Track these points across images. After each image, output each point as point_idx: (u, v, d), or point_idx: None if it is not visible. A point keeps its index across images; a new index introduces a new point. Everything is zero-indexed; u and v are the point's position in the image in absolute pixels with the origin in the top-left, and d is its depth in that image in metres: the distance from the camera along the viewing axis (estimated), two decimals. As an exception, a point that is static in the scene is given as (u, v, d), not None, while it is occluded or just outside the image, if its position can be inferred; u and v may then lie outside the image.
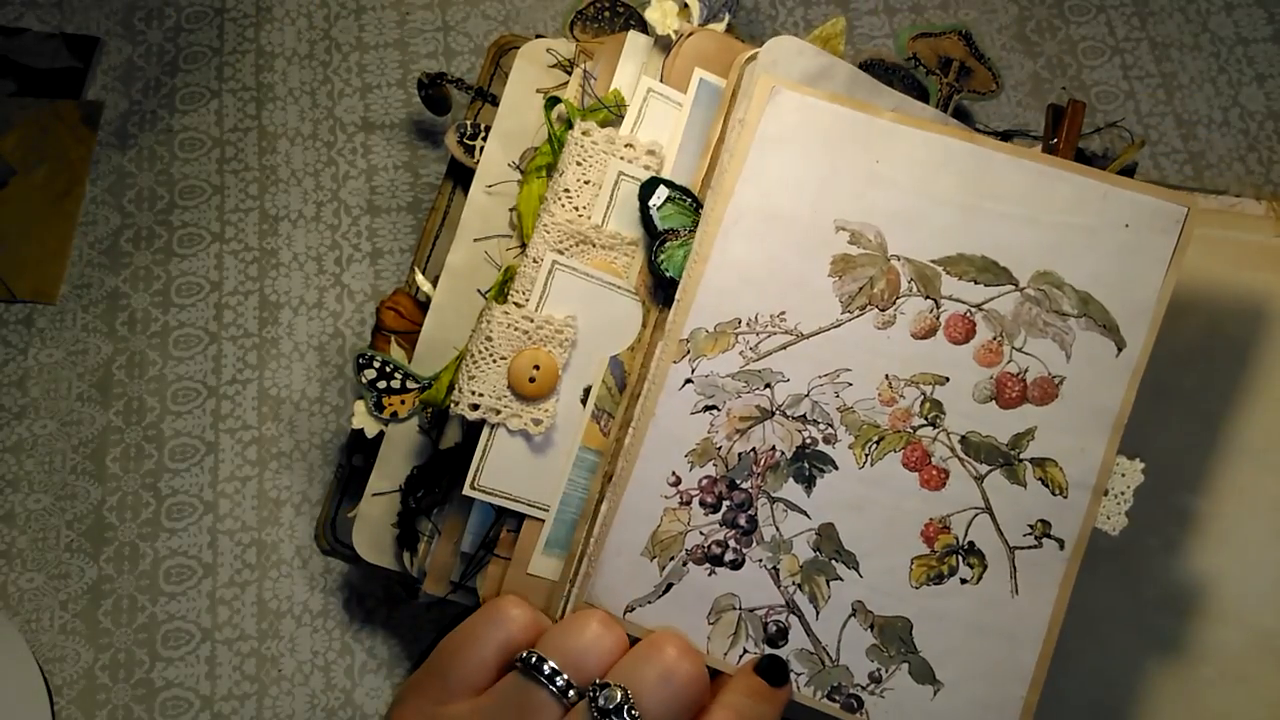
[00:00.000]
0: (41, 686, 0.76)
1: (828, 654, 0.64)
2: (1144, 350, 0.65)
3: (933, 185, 0.66)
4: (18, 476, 0.83)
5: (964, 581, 0.64)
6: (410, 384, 0.73)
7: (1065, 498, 0.65)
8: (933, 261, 0.65)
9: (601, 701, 0.56)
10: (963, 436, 0.65)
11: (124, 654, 0.79)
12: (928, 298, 0.65)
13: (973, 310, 0.65)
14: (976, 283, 0.65)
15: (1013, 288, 0.65)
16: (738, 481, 0.65)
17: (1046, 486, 0.65)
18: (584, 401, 0.67)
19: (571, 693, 0.57)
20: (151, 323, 0.87)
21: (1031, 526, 0.64)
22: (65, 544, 0.81)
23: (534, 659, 0.58)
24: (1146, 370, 0.65)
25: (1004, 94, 0.95)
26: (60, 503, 0.82)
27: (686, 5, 0.74)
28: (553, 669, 0.57)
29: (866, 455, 0.65)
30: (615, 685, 0.56)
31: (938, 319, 0.65)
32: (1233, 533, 0.73)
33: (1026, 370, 0.65)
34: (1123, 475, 0.65)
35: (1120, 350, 0.65)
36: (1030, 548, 0.64)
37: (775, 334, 0.65)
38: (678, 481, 0.65)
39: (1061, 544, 0.64)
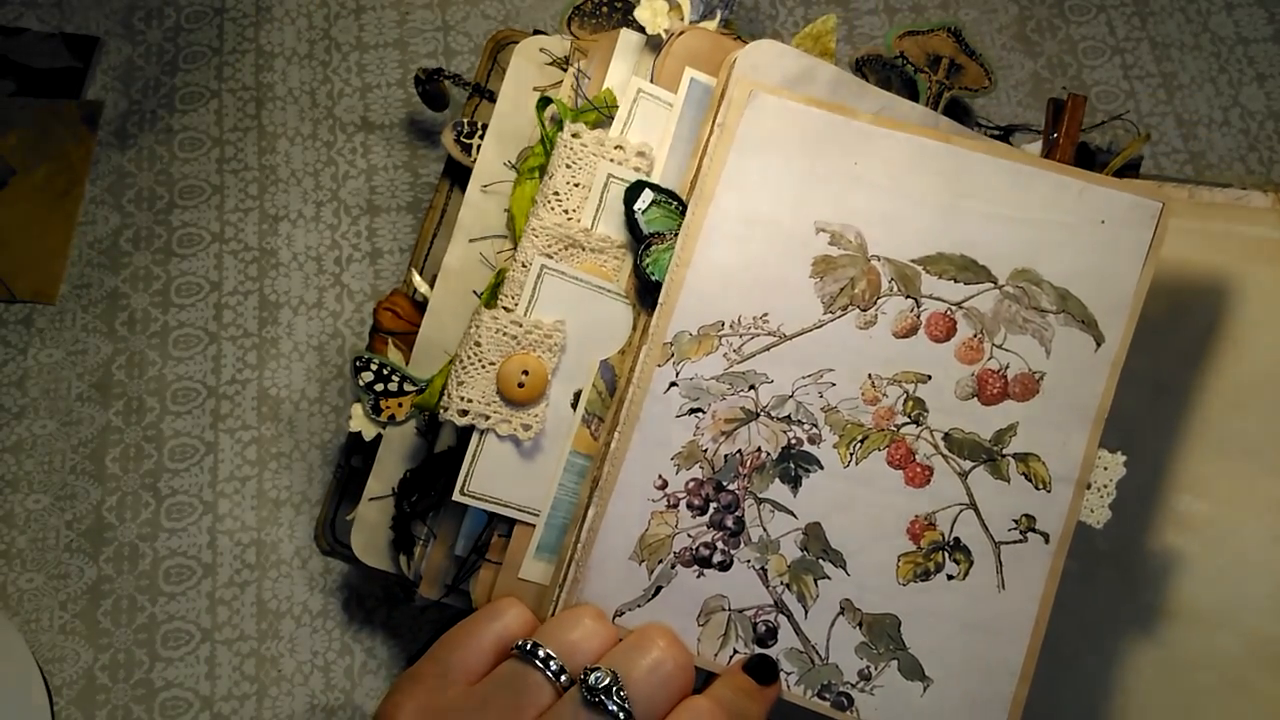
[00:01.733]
0: (41, 686, 0.77)
1: (817, 653, 0.64)
2: (1122, 344, 0.65)
3: (911, 186, 0.66)
4: (17, 476, 0.83)
5: (951, 577, 0.65)
6: (408, 386, 0.72)
7: (1049, 492, 0.65)
8: (913, 261, 0.65)
9: (591, 682, 0.57)
10: (946, 433, 0.65)
11: (124, 654, 0.79)
12: (908, 297, 0.65)
13: (953, 308, 0.65)
14: (956, 281, 0.65)
15: (992, 285, 0.65)
16: (724, 483, 0.65)
17: (1030, 481, 0.65)
18: (574, 406, 0.67)
19: (564, 677, 0.59)
20: (151, 323, 0.88)
21: (1016, 521, 0.65)
22: (65, 544, 0.82)
23: (529, 645, 0.60)
24: (1146, 369, 0.65)
25: (1004, 94, 0.95)
26: (60, 503, 0.83)
27: (679, 4, 0.73)
28: (547, 654, 0.59)
29: (851, 454, 0.65)
30: (606, 669, 0.58)
31: (918, 318, 0.65)
32: (1232, 536, 0.73)
33: (1007, 367, 0.65)
34: (1105, 469, 0.65)
35: (1099, 345, 0.65)
36: (1015, 542, 0.65)
37: (758, 336, 0.65)
38: (664, 484, 0.65)
39: (1046, 538, 0.65)
